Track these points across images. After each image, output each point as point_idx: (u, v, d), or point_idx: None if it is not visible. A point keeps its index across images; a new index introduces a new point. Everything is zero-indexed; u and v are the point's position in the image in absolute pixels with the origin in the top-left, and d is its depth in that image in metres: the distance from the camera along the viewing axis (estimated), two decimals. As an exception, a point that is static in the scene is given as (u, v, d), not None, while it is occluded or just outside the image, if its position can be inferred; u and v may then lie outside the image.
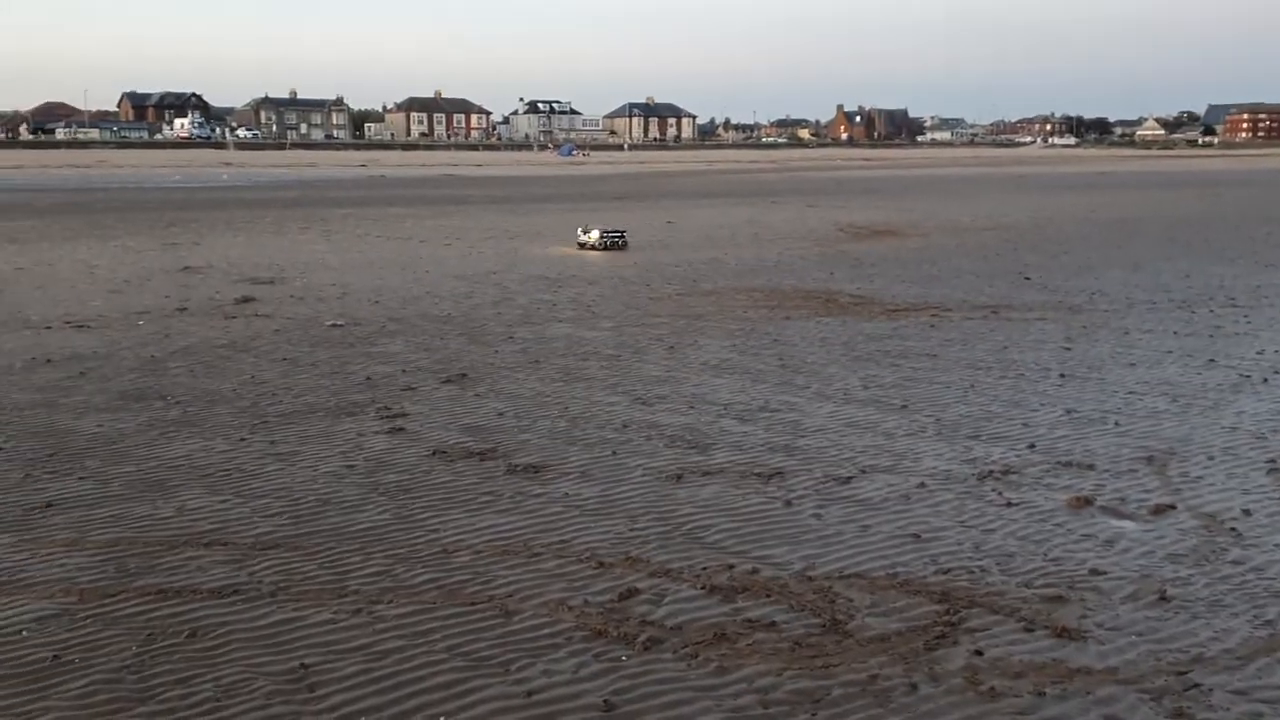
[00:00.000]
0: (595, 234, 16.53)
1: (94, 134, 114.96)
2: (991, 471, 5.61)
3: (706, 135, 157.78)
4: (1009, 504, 5.13)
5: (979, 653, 3.65)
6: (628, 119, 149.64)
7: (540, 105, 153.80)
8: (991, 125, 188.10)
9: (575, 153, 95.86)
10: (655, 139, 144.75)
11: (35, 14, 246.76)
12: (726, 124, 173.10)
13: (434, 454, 5.92)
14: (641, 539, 4.70)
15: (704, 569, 4.38)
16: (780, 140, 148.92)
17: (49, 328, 9.66)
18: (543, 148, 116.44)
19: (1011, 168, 63.70)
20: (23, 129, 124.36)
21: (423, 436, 6.27)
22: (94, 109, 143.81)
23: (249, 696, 3.37)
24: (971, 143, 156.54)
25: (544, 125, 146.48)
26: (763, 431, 6.36)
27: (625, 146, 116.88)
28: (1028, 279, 13.06)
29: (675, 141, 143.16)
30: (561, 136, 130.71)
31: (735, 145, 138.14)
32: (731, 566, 4.40)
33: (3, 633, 3.76)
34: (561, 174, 55.19)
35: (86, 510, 4.99)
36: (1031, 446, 6.05)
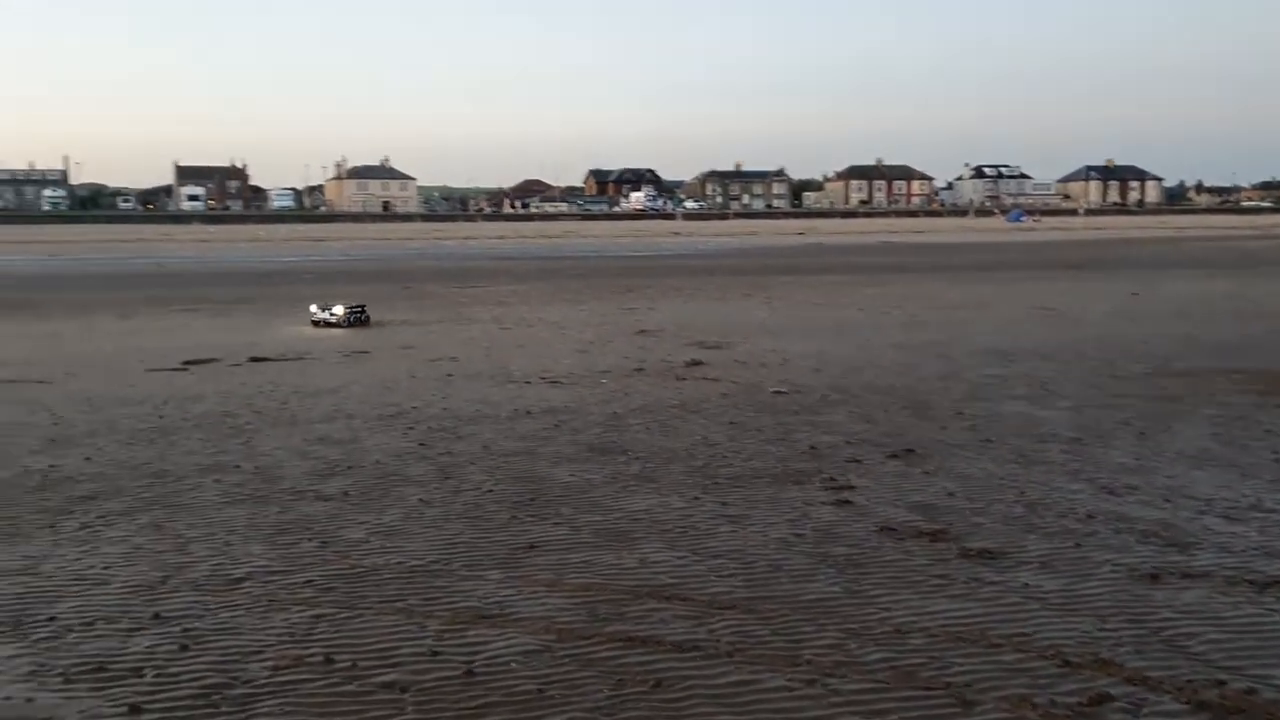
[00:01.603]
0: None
1: (562, 207, 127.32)
2: None
3: (1174, 199, 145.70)
4: None
5: None
6: (1084, 182, 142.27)
7: (987, 169, 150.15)
8: None
9: (1025, 218, 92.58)
10: (1115, 203, 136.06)
11: (518, 105, 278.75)
12: (1198, 187, 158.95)
13: (882, 530, 5.84)
14: (1113, 640, 4.33)
15: (1188, 682, 3.95)
16: (1264, 204, 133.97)
17: (528, 382, 10.70)
18: (983, 213, 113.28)
19: None
20: (505, 203, 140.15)
21: (870, 511, 6.21)
22: (563, 184, 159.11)
23: (710, 755, 3.46)
24: None
25: (990, 190, 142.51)
26: (1256, 533, 5.67)
27: (1080, 211, 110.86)
28: None
29: (1138, 206, 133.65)
30: (1009, 201, 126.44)
31: (1209, 210, 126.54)
32: (1222, 683, 3.93)
33: (496, 662, 4.15)
34: (1008, 240, 53.32)
35: (563, 554, 5.43)
36: None
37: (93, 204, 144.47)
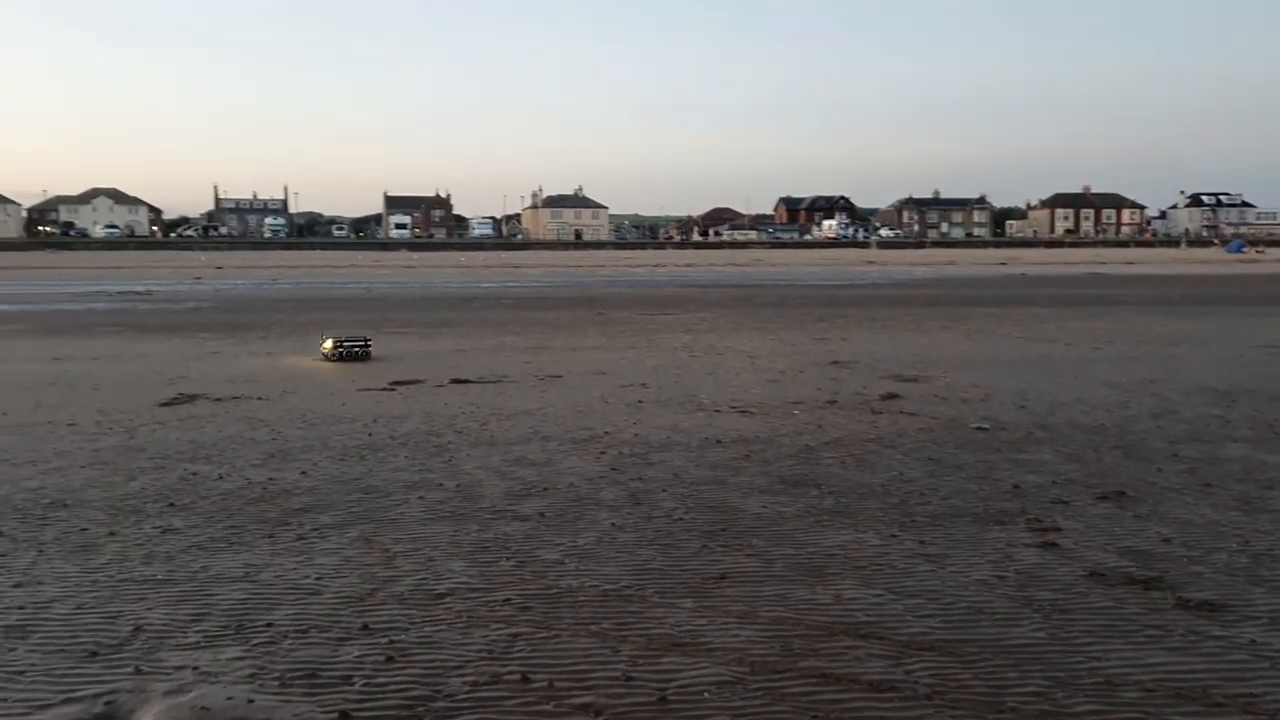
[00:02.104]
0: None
1: (751, 235, 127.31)
2: None
3: None
4: None
5: None
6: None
7: (1205, 198, 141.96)
8: None
9: (1246, 249, 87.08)
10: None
11: (709, 133, 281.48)
12: None
13: (1090, 575, 5.55)
14: (1356, 710, 3.97)
15: None
16: None
17: (718, 410, 10.70)
18: (1197, 243, 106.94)
19: None
20: (694, 231, 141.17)
21: (1077, 555, 5.91)
22: (753, 212, 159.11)
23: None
24: None
25: (1208, 219, 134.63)
26: None
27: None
28: None
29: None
30: (1229, 231, 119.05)
31: None
32: None
33: (689, 691, 4.14)
34: (1227, 273, 50.15)
35: (755, 586, 5.38)
36: None
37: (309, 231, 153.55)
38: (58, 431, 9.54)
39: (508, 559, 5.78)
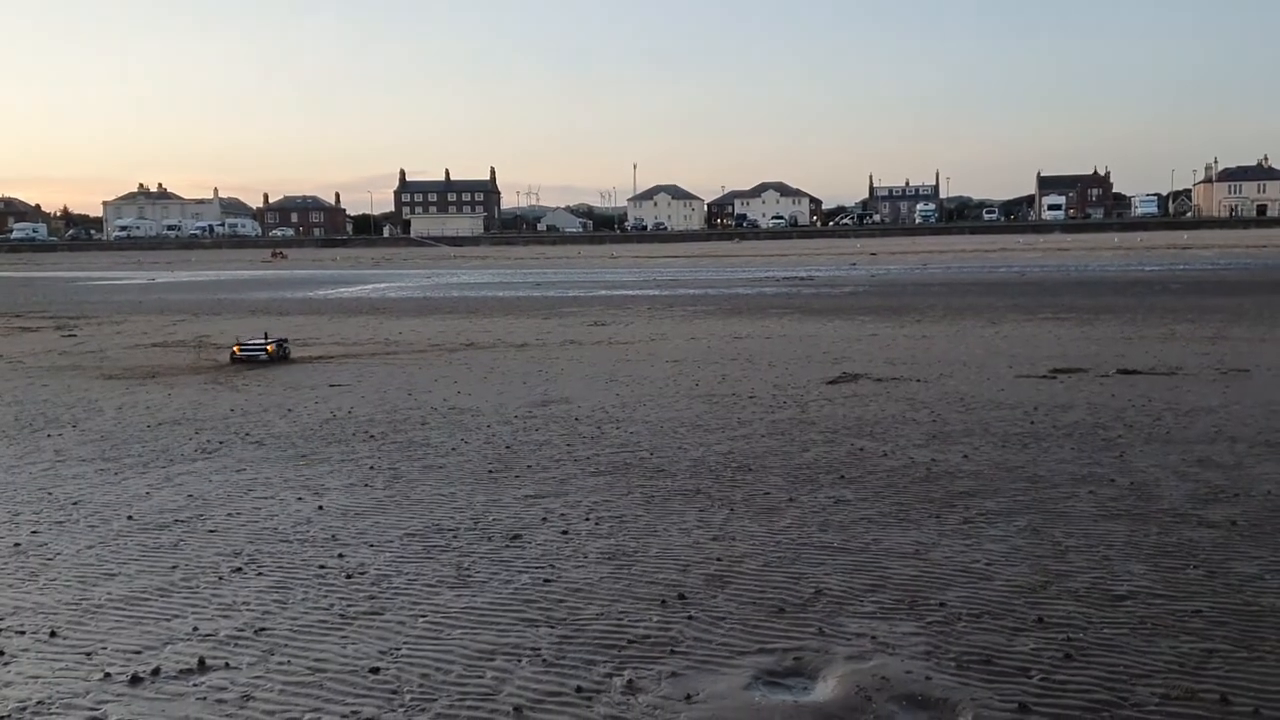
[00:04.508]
0: None
1: None
2: None
3: None
4: None
5: None
6: None
7: None
8: None
9: None
10: None
11: None
12: None
13: None
14: None
15: None
16: None
17: None
18: None
19: None
20: None
21: None
22: None
23: None
24: None
25: None
26: None
27: None
28: None
29: None
30: None
31: None
32: None
33: None
34: None
35: None
36: None
37: (959, 216, 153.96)
38: (740, 402, 10.56)
39: (1195, 568, 5.28)
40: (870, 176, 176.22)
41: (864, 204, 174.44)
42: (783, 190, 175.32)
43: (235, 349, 14.86)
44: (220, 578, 5.48)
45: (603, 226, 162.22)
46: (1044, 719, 3.75)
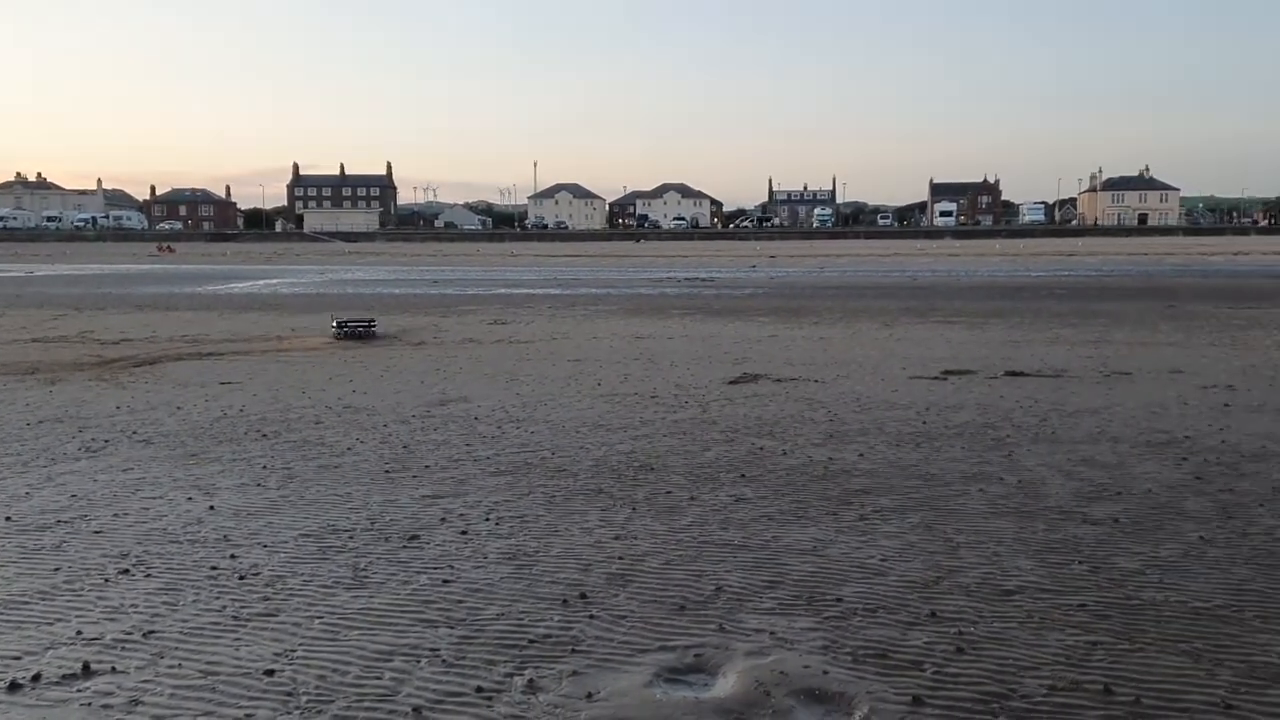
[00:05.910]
0: None
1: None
2: None
3: None
4: None
5: None
6: None
7: None
8: None
9: None
10: None
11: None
12: None
13: None
14: None
15: None
16: None
17: (1326, 419, 9.31)
18: None
19: None
20: None
21: None
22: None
23: None
24: None
25: None
26: None
27: None
28: None
29: None
30: None
31: None
32: None
33: (1308, 735, 3.64)
34: None
35: (1387, 626, 4.60)
36: None
37: (854, 220, 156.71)
38: (642, 402, 10.59)
39: (1079, 563, 5.46)
40: (770, 180, 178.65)
41: (763, 207, 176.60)
42: (684, 192, 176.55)
43: (334, 324, 17.04)
44: (106, 580, 5.29)
45: (503, 224, 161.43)
46: (937, 711, 3.84)
